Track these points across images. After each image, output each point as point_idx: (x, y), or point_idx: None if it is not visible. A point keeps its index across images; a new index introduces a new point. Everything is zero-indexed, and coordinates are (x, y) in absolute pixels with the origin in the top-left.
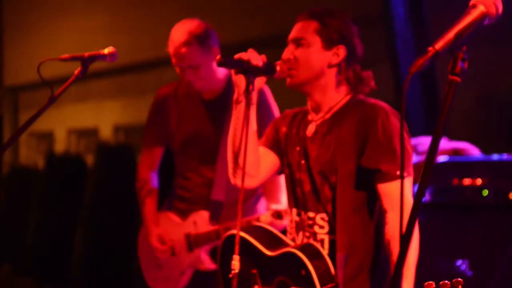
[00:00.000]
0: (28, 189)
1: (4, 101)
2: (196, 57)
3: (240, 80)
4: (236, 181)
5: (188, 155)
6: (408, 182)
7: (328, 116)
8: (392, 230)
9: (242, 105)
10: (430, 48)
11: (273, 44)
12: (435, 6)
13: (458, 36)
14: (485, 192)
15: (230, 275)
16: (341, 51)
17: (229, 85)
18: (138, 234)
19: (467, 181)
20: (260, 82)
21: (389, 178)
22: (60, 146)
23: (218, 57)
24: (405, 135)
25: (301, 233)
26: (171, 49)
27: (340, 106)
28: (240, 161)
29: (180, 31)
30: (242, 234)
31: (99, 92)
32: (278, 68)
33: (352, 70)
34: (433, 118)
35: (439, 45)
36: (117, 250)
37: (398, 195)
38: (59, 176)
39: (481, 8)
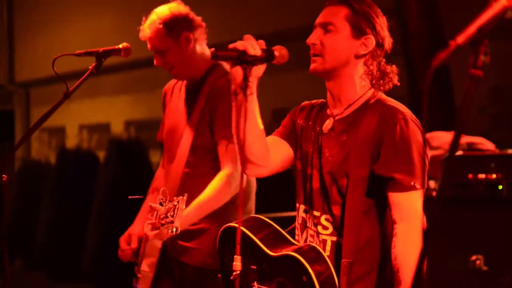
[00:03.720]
0: (40, 184)
1: (15, 96)
2: (160, 41)
3: (236, 72)
4: (248, 172)
5: (165, 150)
6: (421, 195)
7: (346, 113)
8: (401, 243)
9: (241, 97)
10: (452, 42)
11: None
12: (448, 2)
13: (480, 29)
14: (500, 187)
15: (232, 277)
16: (370, 41)
17: (206, 74)
18: None
19: (481, 176)
20: (258, 70)
21: (402, 188)
22: (71, 141)
23: (212, 49)
24: (423, 144)
25: (305, 232)
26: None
27: (360, 104)
28: (247, 153)
29: (151, 15)
30: (242, 228)
31: (110, 88)
32: (276, 53)
33: (377, 63)
34: (447, 112)
35: (461, 39)
36: None
37: (410, 206)
38: (71, 171)
39: (503, 2)
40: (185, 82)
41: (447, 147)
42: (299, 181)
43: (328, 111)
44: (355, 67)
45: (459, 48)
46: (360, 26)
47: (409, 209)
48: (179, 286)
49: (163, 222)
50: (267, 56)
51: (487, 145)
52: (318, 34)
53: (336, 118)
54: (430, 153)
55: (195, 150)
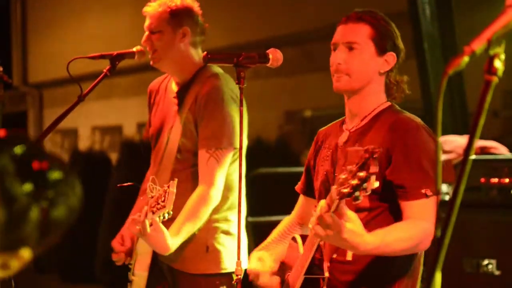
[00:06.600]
0: None
1: (28, 98)
2: (159, 22)
3: None
4: None
5: (153, 151)
6: (433, 201)
7: (361, 124)
8: (397, 224)
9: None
10: (467, 48)
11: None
12: (462, 5)
13: (495, 35)
14: None
15: (234, 282)
16: (392, 58)
17: (194, 76)
18: None
19: (494, 180)
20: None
21: (413, 196)
22: (84, 143)
23: (205, 53)
24: (437, 151)
25: None
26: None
27: (374, 115)
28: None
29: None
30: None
31: (123, 90)
32: (271, 56)
33: (394, 75)
34: (459, 116)
35: (475, 44)
36: None
37: (422, 214)
38: (83, 173)
39: None
40: (171, 82)
41: (460, 151)
42: (318, 196)
43: (345, 126)
44: (377, 83)
45: (474, 53)
46: (383, 44)
47: (420, 216)
48: None
49: (154, 209)
50: (262, 58)
51: (500, 149)
52: (342, 53)
53: (352, 130)
54: (443, 157)
55: (181, 152)
